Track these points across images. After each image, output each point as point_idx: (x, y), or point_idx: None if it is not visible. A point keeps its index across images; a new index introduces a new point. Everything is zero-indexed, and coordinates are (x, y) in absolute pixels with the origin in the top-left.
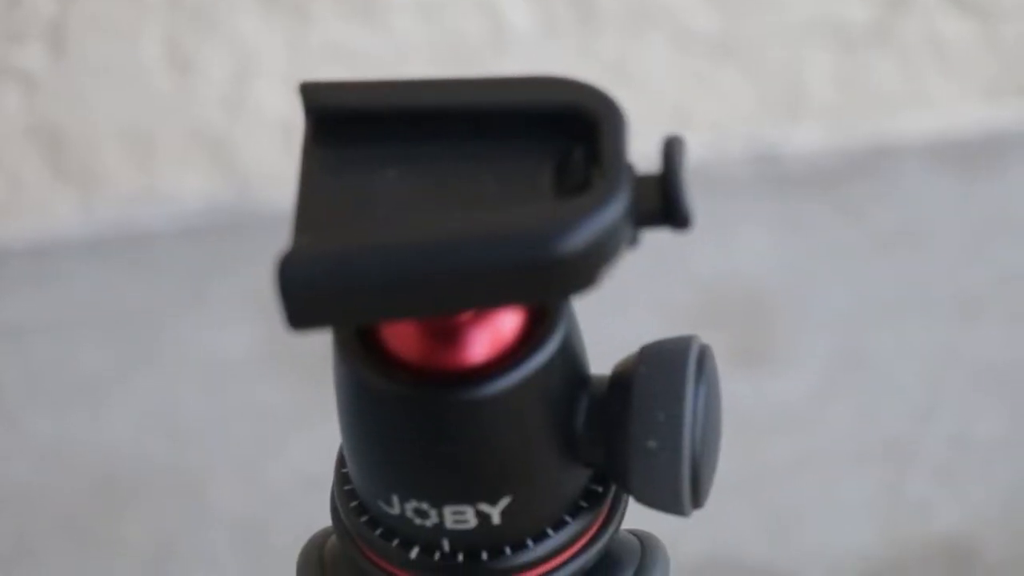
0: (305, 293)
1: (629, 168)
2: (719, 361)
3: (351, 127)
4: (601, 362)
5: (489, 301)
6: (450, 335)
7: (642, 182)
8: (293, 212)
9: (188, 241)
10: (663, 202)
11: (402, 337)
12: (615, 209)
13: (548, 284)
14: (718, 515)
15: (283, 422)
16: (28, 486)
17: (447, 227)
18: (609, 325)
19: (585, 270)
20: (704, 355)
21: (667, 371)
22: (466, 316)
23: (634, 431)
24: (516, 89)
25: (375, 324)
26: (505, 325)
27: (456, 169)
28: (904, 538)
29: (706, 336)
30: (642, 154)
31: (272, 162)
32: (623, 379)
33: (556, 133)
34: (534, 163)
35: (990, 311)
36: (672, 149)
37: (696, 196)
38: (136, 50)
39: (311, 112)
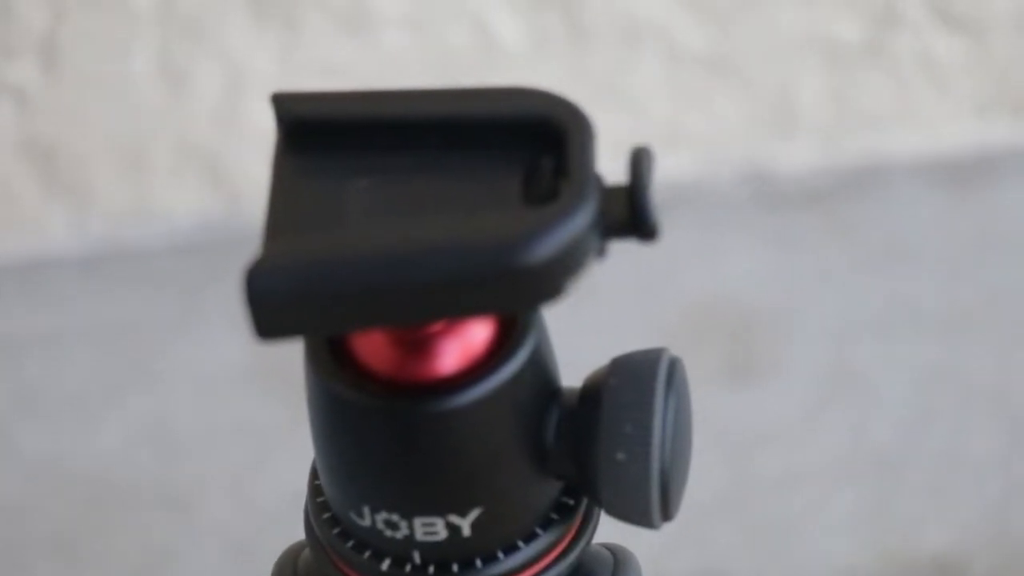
0: (272, 302)
1: (597, 178)
2: (709, 378)
3: (323, 137)
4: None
5: (456, 311)
6: (419, 347)
7: (610, 193)
8: (263, 221)
9: (180, 257)
10: (630, 213)
11: (372, 348)
12: (581, 219)
13: (514, 293)
14: (707, 531)
15: (274, 438)
16: (19, 501)
17: (413, 236)
18: (599, 343)
19: (551, 280)
20: (674, 367)
21: (636, 383)
22: (436, 328)
23: (603, 443)
24: (487, 100)
25: (344, 334)
26: (475, 337)
27: (426, 179)
28: (893, 555)
29: (696, 353)
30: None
31: (264, 177)
32: (593, 391)
33: (525, 143)
34: (503, 173)
35: (980, 328)
36: (639, 160)
37: (687, 214)
38: (128, 65)
39: (283, 122)
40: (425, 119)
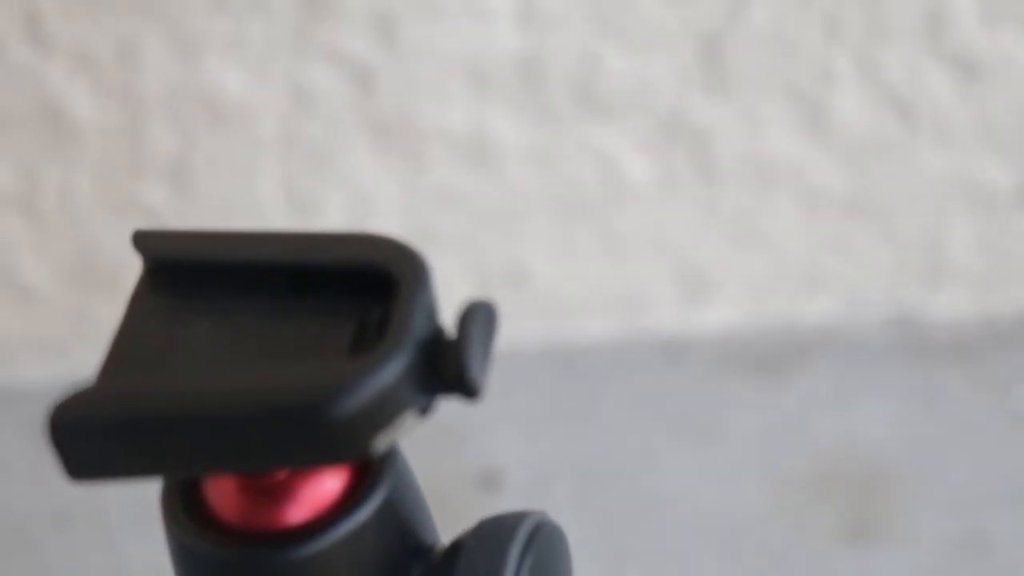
0: (73, 443)
1: (434, 332)
2: (828, 534)
3: (178, 277)
4: (702, 527)
5: (260, 462)
6: (263, 494)
7: (445, 347)
8: (103, 359)
9: None
10: (454, 370)
11: (219, 494)
12: (388, 374)
13: (316, 447)
14: None
15: None
16: None
17: (217, 384)
18: (719, 489)
19: (354, 435)
20: (537, 533)
21: (491, 547)
22: (281, 475)
23: None
24: (332, 246)
25: (153, 479)
26: (323, 486)
27: (265, 325)
28: None
29: (818, 506)
30: (766, 311)
31: None
32: (454, 551)
33: (362, 292)
34: (338, 321)
35: None
36: (468, 316)
37: (826, 359)
38: (255, 189)
39: (144, 259)
40: (274, 264)
